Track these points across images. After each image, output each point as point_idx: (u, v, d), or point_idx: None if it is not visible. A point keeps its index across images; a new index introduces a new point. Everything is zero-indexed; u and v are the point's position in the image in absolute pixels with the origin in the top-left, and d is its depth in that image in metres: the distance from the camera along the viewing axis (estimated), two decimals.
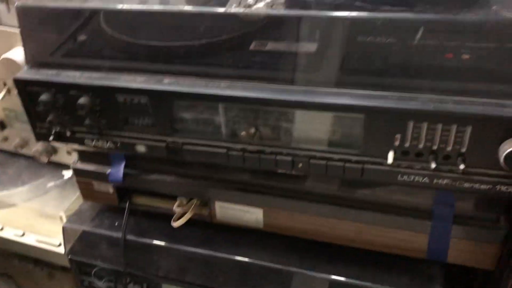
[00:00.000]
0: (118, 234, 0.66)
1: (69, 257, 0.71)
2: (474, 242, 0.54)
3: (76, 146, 0.56)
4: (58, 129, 0.54)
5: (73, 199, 0.74)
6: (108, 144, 0.54)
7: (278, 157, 0.49)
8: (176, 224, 0.62)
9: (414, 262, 0.58)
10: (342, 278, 0.58)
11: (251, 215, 0.61)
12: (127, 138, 0.53)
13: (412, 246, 0.56)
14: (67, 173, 0.79)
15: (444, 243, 0.55)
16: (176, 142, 0.52)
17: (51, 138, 0.55)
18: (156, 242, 0.66)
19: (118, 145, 0.53)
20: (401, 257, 0.58)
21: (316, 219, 0.58)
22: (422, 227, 0.54)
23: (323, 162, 0.48)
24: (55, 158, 0.78)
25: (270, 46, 0.49)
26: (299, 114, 0.46)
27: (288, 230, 0.61)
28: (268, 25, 0.48)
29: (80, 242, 0.70)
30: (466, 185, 0.45)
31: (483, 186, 0.44)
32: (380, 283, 0.57)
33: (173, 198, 0.65)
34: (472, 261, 0.56)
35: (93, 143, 0.54)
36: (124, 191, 0.67)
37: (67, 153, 0.76)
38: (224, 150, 0.51)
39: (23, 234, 0.76)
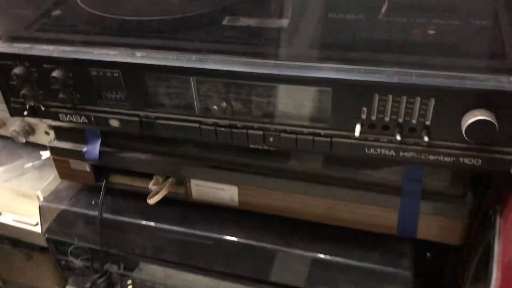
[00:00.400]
0: (94, 213, 0.67)
1: (46, 236, 0.71)
2: (442, 217, 0.55)
3: (50, 122, 0.56)
4: (32, 103, 0.54)
5: (51, 179, 0.74)
6: (82, 119, 0.54)
7: (250, 131, 0.50)
8: (151, 201, 0.62)
9: (386, 238, 0.59)
10: (313, 254, 0.59)
11: (226, 192, 0.62)
12: (101, 112, 0.53)
13: (383, 222, 0.57)
14: (45, 154, 0.79)
15: (413, 219, 0.56)
16: (149, 117, 0.52)
17: (25, 113, 0.55)
18: (132, 220, 0.66)
19: (92, 120, 0.54)
20: (373, 234, 0.59)
21: (289, 196, 0.59)
22: (392, 203, 0.56)
23: (293, 136, 0.49)
24: (33, 138, 0.78)
25: (242, 21, 0.50)
26: (269, 88, 0.47)
27: (262, 208, 0.62)
28: (241, 1, 0.48)
29: (57, 220, 0.70)
30: (431, 157, 0.46)
31: (447, 159, 0.46)
32: (351, 259, 0.59)
33: (150, 177, 0.65)
34: (440, 236, 0.57)
35: (67, 118, 0.54)
36: (100, 169, 0.67)
37: (45, 133, 0.76)
38: (196, 125, 0.51)
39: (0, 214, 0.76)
